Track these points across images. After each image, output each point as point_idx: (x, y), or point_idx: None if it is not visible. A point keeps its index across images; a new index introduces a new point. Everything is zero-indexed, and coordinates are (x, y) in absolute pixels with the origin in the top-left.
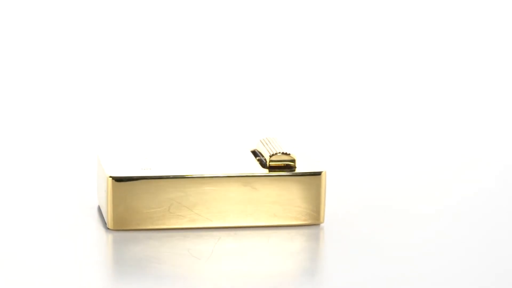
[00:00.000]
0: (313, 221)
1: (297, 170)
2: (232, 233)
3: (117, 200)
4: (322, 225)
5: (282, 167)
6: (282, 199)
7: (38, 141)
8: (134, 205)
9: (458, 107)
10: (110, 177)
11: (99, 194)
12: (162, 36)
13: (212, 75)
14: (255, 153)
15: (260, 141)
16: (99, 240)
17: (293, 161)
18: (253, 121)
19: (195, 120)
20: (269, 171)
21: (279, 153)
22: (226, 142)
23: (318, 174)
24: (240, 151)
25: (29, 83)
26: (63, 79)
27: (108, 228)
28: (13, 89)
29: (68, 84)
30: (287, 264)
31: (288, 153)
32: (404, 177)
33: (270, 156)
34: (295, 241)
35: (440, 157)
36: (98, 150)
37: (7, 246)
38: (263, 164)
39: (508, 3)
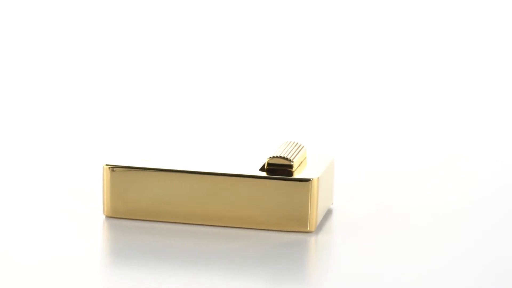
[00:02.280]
0: (301, 229)
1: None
2: (222, 233)
3: (111, 188)
4: (312, 233)
5: (280, 171)
6: (271, 203)
7: (40, 135)
8: (129, 194)
9: (458, 107)
10: (106, 165)
11: None
12: (191, 39)
13: (263, 79)
14: None
15: (280, 144)
16: (94, 227)
17: (291, 166)
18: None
19: (233, 117)
20: (267, 174)
21: (277, 156)
22: (253, 143)
23: (307, 180)
24: (259, 153)
25: (33, 79)
26: (77, 75)
27: (105, 216)
28: (15, 84)
29: (86, 79)
30: (269, 270)
31: (286, 157)
32: (402, 177)
33: (269, 159)
34: (281, 247)
35: (439, 157)
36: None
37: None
38: (264, 166)
39: (508, 3)
